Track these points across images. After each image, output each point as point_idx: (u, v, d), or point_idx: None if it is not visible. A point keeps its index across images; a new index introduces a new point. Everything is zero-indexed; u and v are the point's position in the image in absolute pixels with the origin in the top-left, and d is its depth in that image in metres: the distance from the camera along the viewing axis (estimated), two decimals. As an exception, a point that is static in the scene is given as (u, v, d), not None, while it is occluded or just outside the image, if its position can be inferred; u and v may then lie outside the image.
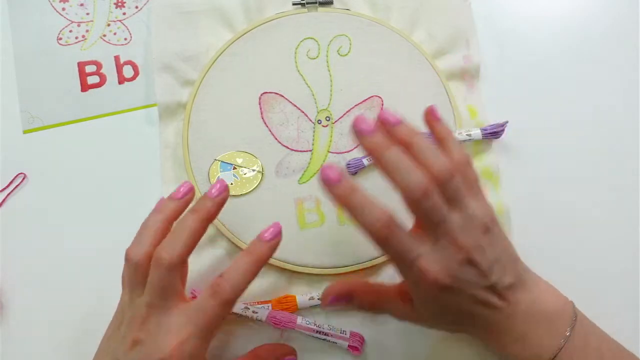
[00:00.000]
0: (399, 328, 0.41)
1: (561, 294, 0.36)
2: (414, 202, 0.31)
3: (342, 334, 0.40)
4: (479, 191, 0.34)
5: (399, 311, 0.35)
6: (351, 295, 0.35)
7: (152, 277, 0.33)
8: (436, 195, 0.31)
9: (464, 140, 0.44)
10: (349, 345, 0.40)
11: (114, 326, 0.35)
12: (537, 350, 0.33)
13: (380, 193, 0.43)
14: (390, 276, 0.42)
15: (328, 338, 0.40)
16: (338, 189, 0.31)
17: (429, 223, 0.32)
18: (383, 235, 0.31)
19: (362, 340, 0.41)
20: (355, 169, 0.43)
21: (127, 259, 0.34)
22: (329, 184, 0.31)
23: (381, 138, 0.32)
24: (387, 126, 0.33)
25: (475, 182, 0.34)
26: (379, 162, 0.32)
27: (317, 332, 0.40)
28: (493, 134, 0.45)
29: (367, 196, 0.31)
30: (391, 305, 0.36)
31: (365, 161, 0.43)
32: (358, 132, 0.32)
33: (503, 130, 0.45)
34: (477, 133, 0.44)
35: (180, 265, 0.33)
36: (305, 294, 0.41)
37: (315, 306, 0.41)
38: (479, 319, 0.33)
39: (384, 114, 0.33)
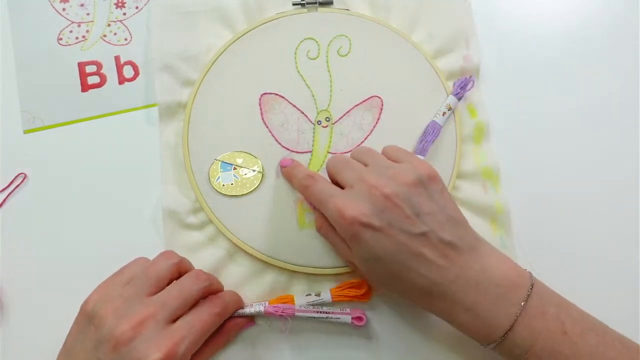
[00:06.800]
0: (399, 323, 0.42)
1: (517, 265, 0.34)
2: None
3: (343, 311, 0.40)
4: (413, 158, 0.37)
5: (343, 250, 0.37)
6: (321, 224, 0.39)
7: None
8: (342, 164, 0.37)
9: (448, 116, 0.45)
10: (352, 317, 0.39)
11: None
12: (490, 320, 0.31)
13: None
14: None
15: (330, 316, 0.39)
16: (286, 169, 0.42)
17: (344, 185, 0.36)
18: (305, 185, 0.37)
19: (364, 314, 0.40)
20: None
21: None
22: (283, 166, 0.42)
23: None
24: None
25: (410, 155, 0.37)
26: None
27: (317, 312, 0.39)
28: (462, 88, 0.45)
29: (304, 169, 0.40)
30: (340, 241, 0.37)
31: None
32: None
33: (471, 80, 0.46)
34: (451, 99, 0.45)
35: None
36: (303, 293, 0.41)
37: (313, 304, 0.41)
38: (420, 277, 0.32)
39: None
